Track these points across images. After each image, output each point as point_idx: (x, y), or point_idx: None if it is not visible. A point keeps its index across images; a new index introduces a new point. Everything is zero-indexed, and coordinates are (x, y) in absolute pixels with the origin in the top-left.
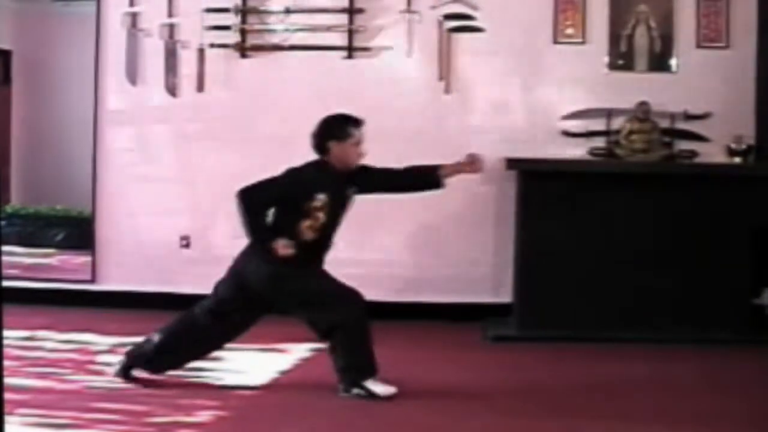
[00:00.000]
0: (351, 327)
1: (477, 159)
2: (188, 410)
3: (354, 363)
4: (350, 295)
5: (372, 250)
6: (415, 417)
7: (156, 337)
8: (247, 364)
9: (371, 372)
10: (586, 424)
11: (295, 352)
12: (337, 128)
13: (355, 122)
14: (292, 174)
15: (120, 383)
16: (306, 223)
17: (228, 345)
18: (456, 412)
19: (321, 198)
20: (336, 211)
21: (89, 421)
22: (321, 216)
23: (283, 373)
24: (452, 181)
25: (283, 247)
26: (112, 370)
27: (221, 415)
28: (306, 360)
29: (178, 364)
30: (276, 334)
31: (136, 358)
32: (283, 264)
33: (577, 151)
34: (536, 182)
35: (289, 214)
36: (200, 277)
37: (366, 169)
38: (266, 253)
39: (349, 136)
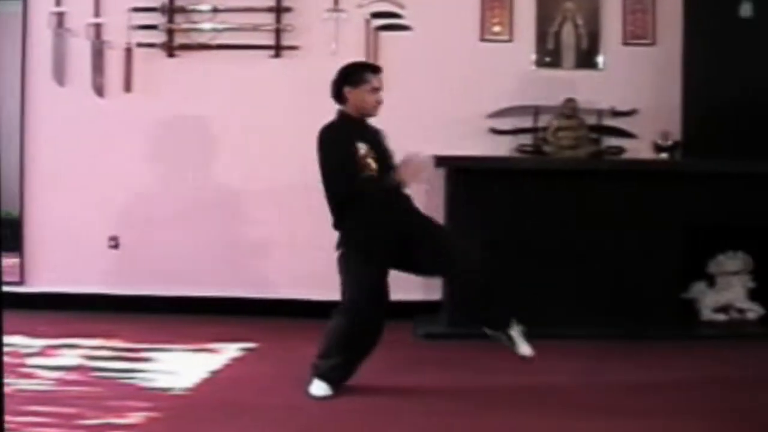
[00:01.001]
0: (337, 332)
1: (411, 161)
2: (119, 412)
3: (324, 362)
4: (354, 303)
5: (304, 248)
6: (345, 416)
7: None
8: (177, 365)
9: (332, 380)
10: (516, 421)
11: (226, 352)
12: (352, 73)
13: (372, 68)
14: (329, 136)
15: (50, 386)
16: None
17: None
18: (387, 410)
19: (362, 146)
20: (382, 159)
21: (20, 424)
22: (372, 163)
23: (214, 373)
24: None
25: (409, 172)
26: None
27: (153, 417)
28: (236, 359)
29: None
30: (206, 334)
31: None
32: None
33: (504, 148)
34: (464, 180)
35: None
36: (129, 277)
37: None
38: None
39: (364, 81)
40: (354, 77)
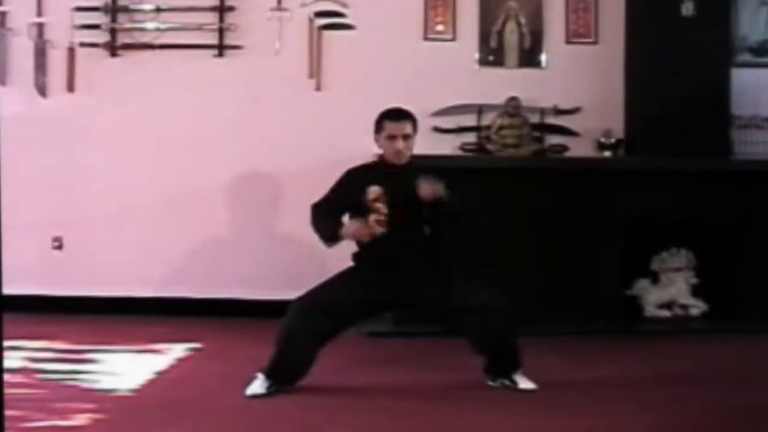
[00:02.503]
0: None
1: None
2: (64, 414)
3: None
4: (303, 302)
5: (249, 248)
6: (292, 414)
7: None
8: (122, 366)
9: (265, 371)
10: (463, 418)
11: (171, 353)
12: (379, 120)
13: (393, 115)
14: (344, 175)
15: None
16: (372, 217)
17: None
18: (332, 408)
19: (374, 190)
20: (399, 204)
21: None
22: (381, 207)
23: (159, 373)
24: (321, 177)
25: (353, 227)
26: None
27: (97, 418)
28: (182, 360)
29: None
30: (151, 334)
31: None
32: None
33: (448, 146)
34: None
35: (356, 215)
36: (73, 279)
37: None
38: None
39: (382, 129)
40: (377, 124)
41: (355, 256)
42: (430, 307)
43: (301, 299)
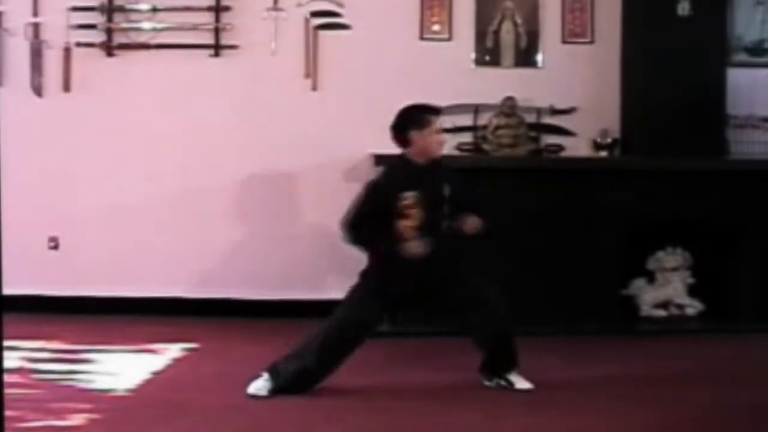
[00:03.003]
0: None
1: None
2: (60, 414)
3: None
4: (332, 329)
5: (245, 248)
6: (289, 414)
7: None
8: (118, 366)
9: (275, 377)
10: (460, 418)
11: (167, 353)
12: (417, 116)
13: (433, 110)
14: (372, 186)
15: None
16: (405, 223)
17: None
18: (330, 408)
19: (409, 195)
20: (432, 207)
21: None
22: (415, 213)
23: (156, 373)
24: (317, 177)
25: (414, 247)
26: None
27: (94, 418)
28: (178, 360)
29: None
30: (147, 334)
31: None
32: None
33: (444, 146)
34: None
35: (386, 219)
36: (69, 279)
37: (457, 178)
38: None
39: (429, 123)
40: (419, 120)
41: (369, 267)
42: (438, 301)
43: (342, 321)
